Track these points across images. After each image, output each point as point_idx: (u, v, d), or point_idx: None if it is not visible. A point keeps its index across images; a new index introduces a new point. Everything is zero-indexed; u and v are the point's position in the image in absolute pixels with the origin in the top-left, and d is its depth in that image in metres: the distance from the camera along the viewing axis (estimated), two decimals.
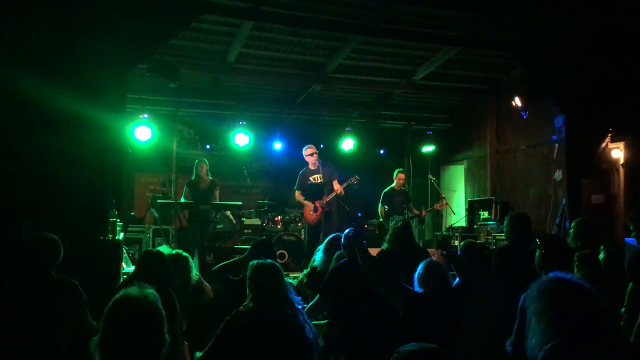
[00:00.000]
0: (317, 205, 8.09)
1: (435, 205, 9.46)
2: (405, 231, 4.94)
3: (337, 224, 8.15)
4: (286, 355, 3.08)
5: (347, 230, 4.29)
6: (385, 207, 8.92)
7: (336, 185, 8.15)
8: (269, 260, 3.43)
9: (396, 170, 9.22)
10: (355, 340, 4.13)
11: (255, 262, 3.39)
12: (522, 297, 3.04)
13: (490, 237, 8.62)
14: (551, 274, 2.26)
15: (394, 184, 9.06)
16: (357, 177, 8.33)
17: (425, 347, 1.91)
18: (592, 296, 2.13)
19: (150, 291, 2.20)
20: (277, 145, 11.28)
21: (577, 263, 4.08)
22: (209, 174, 8.42)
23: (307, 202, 8.28)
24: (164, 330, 2.14)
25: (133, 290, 2.19)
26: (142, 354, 2.06)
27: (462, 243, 4.52)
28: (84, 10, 5.34)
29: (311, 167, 8.22)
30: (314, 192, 8.14)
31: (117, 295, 2.18)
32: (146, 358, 2.08)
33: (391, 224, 5.28)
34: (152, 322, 2.12)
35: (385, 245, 5.05)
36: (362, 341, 4.10)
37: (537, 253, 3.68)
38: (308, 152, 8.21)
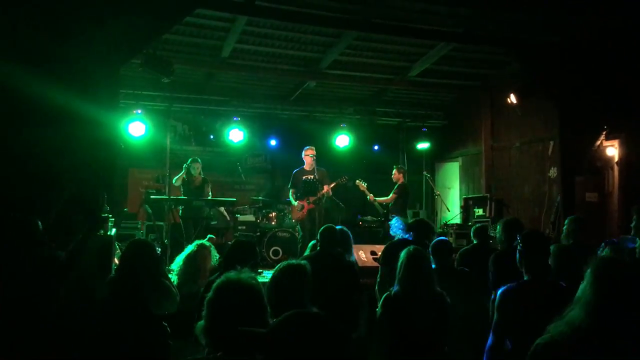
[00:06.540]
0: (304, 203, 8.18)
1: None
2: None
3: (324, 217, 8.21)
4: None
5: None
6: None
7: (325, 188, 8.22)
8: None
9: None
10: None
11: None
12: (498, 292, 3.02)
13: None
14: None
15: None
16: (346, 177, 8.38)
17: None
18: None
19: (250, 275, 2.28)
20: (272, 142, 11.29)
21: None
22: (201, 172, 8.52)
23: (294, 203, 8.39)
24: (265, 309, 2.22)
25: (234, 275, 2.26)
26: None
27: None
28: (76, 4, 5.28)
29: (307, 167, 8.34)
30: (309, 189, 8.21)
31: (220, 281, 2.24)
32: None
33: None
34: (257, 304, 2.19)
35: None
36: None
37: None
38: (308, 153, 8.31)
